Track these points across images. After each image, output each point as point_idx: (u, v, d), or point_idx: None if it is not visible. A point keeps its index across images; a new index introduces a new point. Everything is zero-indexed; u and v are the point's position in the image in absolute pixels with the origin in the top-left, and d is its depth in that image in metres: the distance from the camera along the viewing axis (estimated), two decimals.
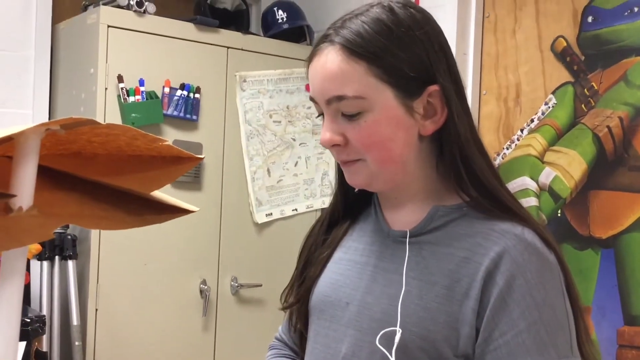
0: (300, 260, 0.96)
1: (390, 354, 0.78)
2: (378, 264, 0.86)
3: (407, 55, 0.79)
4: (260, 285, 2.37)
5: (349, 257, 0.90)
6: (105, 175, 0.61)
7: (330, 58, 0.80)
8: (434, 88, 0.81)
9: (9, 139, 0.53)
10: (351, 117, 0.80)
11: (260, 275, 2.38)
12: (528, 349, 0.75)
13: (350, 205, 0.94)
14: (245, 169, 2.36)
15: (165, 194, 0.66)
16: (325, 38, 0.82)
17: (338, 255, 0.91)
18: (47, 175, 0.59)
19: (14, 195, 0.51)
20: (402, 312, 0.80)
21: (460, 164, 0.82)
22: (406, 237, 0.85)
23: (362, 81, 0.79)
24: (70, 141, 0.59)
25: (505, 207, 0.83)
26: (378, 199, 0.91)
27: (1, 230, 0.53)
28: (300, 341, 0.96)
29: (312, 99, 0.84)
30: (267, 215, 2.41)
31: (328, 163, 2.54)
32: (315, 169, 2.52)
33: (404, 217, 0.87)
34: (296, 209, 2.48)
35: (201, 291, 2.26)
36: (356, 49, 0.79)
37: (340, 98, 0.79)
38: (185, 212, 0.65)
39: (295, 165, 2.48)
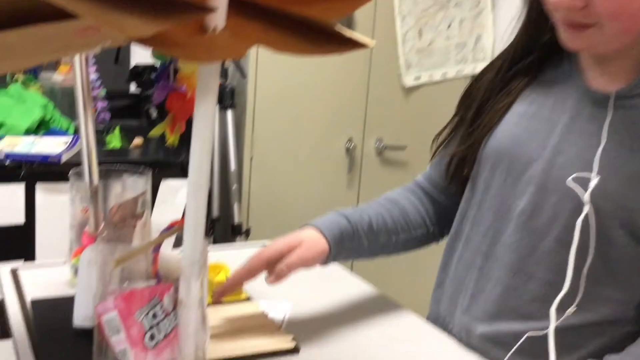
0: (468, 105, 0.93)
1: (583, 198, 0.75)
2: (571, 124, 0.81)
3: None
4: (405, 148, 2.40)
5: (534, 111, 0.85)
6: (287, 3, 0.63)
7: None
8: None
9: None
10: None
11: (405, 138, 2.40)
12: None
13: (537, 52, 0.87)
14: (396, 29, 2.30)
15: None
16: None
17: (520, 108, 0.86)
18: (231, 2, 0.62)
19: (211, 10, 0.54)
20: (598, 175, 0.75)
21: None
22: (610, 99, 0.79)
23: None
24: None
25: None
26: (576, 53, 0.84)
27: (196, 45, 0.57)
28: (456, 189, 0.97)
29: None
30: (415, 78, 2.38)
31: (483, 26, 2.41)
32: (469, 33, 2.41)
33: (608, 77, 0.80)
34: (446, 74, 2.41)
35: (347, 149, 2.33)
36: None
37: None
38: (362, 46, 0.66)
39: (448, 27, 2.38)
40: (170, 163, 1.76)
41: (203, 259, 0.66)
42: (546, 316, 0.74)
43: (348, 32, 0.66)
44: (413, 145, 2.41)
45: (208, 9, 0.54)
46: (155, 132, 0.88)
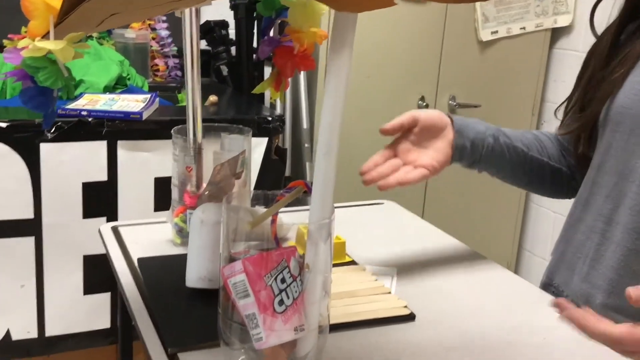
0: (595, 61, 0.88)
1: None
2: None
3: None
4: (479, 106, 2.32)
5: None
6: None
7: None
8: None
9: None
10: None
11: (480, 96, 2.32)
12: None
13: None
14: None
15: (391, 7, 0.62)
16: None
17: None
18: None
19: None
20: None
21: None
22: None
23: None
24: None
25: None
26: None
27: None
28: (577, 142, 0.92)
29: None
30: (492, 32, 2.28)
31: None
32: None
33: None
34: (524, 28, 2.30)
35: (419, 107, 2.27)
36: None
37: None
38: None
39: None
40: (245, 120, 1.74)
41: (330, 222, 0.63)
42: None
43: None
44: (487, 103, 2.33)
45: None
46: (259, 89, 0.85)
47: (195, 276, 0.78)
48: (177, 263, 0.83)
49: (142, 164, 1.64)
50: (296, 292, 0.63)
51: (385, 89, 2.20)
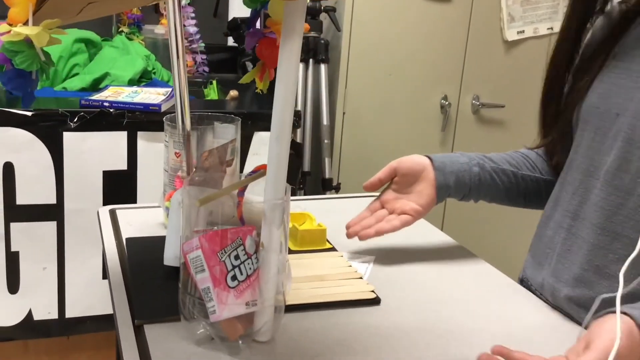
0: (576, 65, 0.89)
1: None
2: None
3: None
4: (503, 107, 2.30)
5: (625, 65, 0.80)
6: None
7: None
8: None
9: None
10: None
11: (504, 96, 2.30)
12: None
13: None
14: None
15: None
16: None
17: (613, 62, 0.82)
18: None
19: None
20: None
21: None
22: None
23: None
24: None
25: None
26: None
27: None
28: (552, 152, 0.93)
29: None
30: (518, 32, 2.26)
31: None
32: None
33: None
34: (552, 28, 2.27)
35: (441, 106, 2.26)
36: None
37: None
38: None
39: None
40: (264, 115, 1.78)
41: (285, 204, 0.66)
42: (631, 278, 0.70)
43: None
44: (512, 103, 2.31)
45: None
46: (245, 79, 0.88)
47: (172, 255, 0.81)
48: (161, 243, 0.87)
49: (161, 154, 1.69)
50: (250, 269, 0.65)
51: (409, 88, 2.21)
